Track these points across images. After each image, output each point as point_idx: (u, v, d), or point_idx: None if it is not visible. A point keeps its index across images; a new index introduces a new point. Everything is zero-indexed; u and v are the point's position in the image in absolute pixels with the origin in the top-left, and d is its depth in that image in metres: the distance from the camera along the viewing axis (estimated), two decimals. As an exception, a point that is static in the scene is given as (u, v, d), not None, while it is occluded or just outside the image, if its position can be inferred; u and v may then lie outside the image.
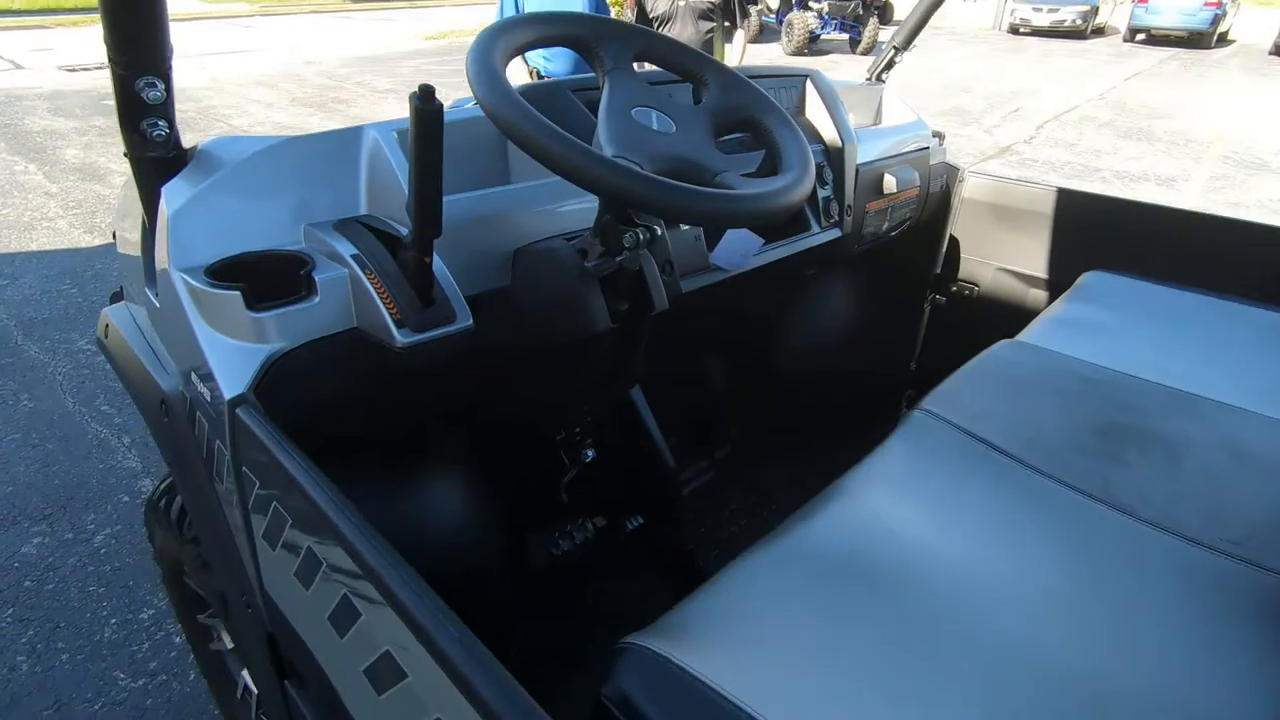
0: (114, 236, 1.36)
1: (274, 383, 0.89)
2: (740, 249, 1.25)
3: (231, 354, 0.90)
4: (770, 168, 1.09)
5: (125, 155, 0.99)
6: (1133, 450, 1.17)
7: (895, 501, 1.06)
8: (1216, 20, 16.40)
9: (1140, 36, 17.41)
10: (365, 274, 0.93)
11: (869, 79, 2.12)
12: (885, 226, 1.82)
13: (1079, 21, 17.72)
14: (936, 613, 0.87)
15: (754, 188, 0.97)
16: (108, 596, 2.05)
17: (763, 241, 1.35)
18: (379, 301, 0.92)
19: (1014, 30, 18.53)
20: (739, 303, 1.85)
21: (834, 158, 1.62)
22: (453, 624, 0.58)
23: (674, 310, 1.14)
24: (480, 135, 1.14)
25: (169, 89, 0.93)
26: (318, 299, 0.93)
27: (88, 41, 14.25)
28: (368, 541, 0.65)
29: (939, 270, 2.20)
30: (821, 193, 1.59)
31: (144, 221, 1.05)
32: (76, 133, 7.39)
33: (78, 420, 2.81)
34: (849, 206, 1.65)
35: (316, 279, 0.93)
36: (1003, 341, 1.51)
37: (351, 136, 1.07)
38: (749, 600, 0.89)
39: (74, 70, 11.19)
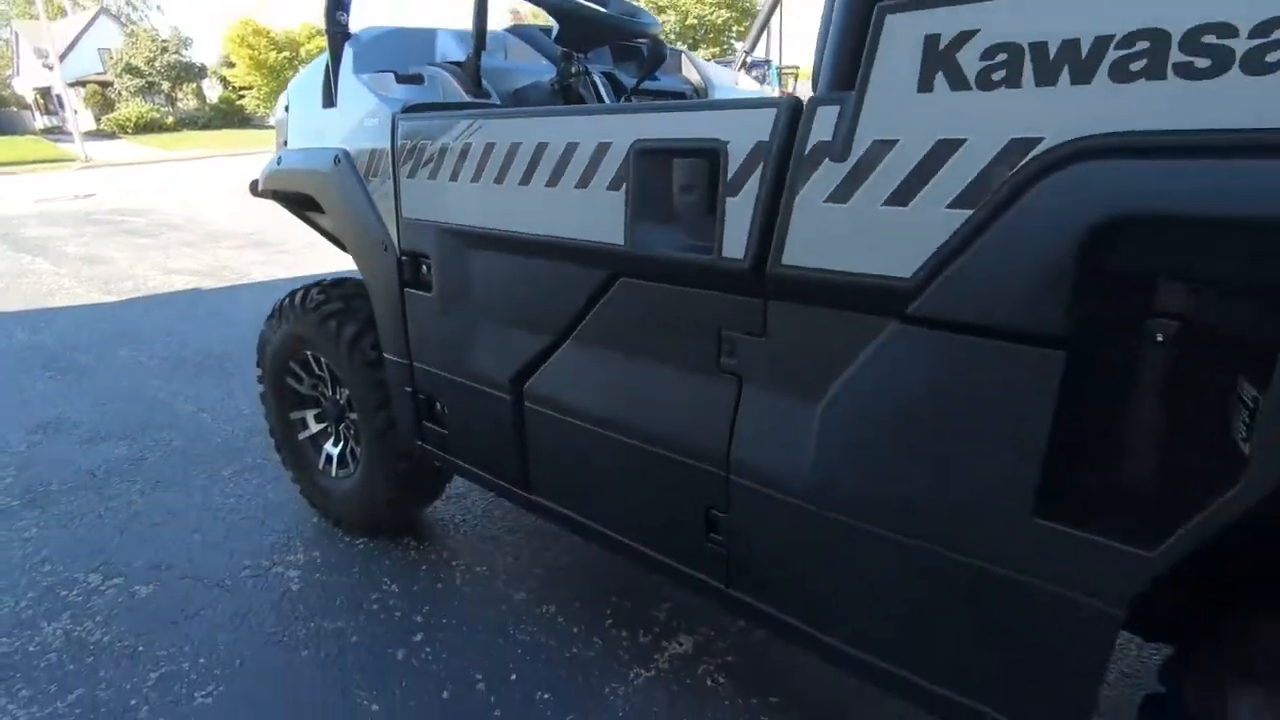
0: (278, 129, 2.03)
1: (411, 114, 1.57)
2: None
3: (390, 103, 1.57)
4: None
5: (326, 30, 1.69)
6: None
7: None
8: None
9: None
10: (447, 74, 1.65)
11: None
12: None
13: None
14: None
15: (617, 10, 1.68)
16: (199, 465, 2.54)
17: None
18: (457, 85, 1.63)
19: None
20: None
21: (702, 94, 2.36)
22: None
23: None
24: None
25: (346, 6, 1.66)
26: (425, 84, 1.64)
27: (55, 183, 15.11)
28: None
29: None
30: None
31: (324, 71, 1.74)
32: (72, 236, 8.02)
33: (140, 391, 3.31)
34: None
35: (424, 75, 1.64)
36: None
37: (429, 34, 1.81)
38: None
39: (50, 201, 11.93)
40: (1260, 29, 0.58)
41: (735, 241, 0.95)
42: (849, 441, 0.93)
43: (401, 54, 1.66)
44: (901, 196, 0.79)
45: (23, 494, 2.38)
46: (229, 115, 35.93)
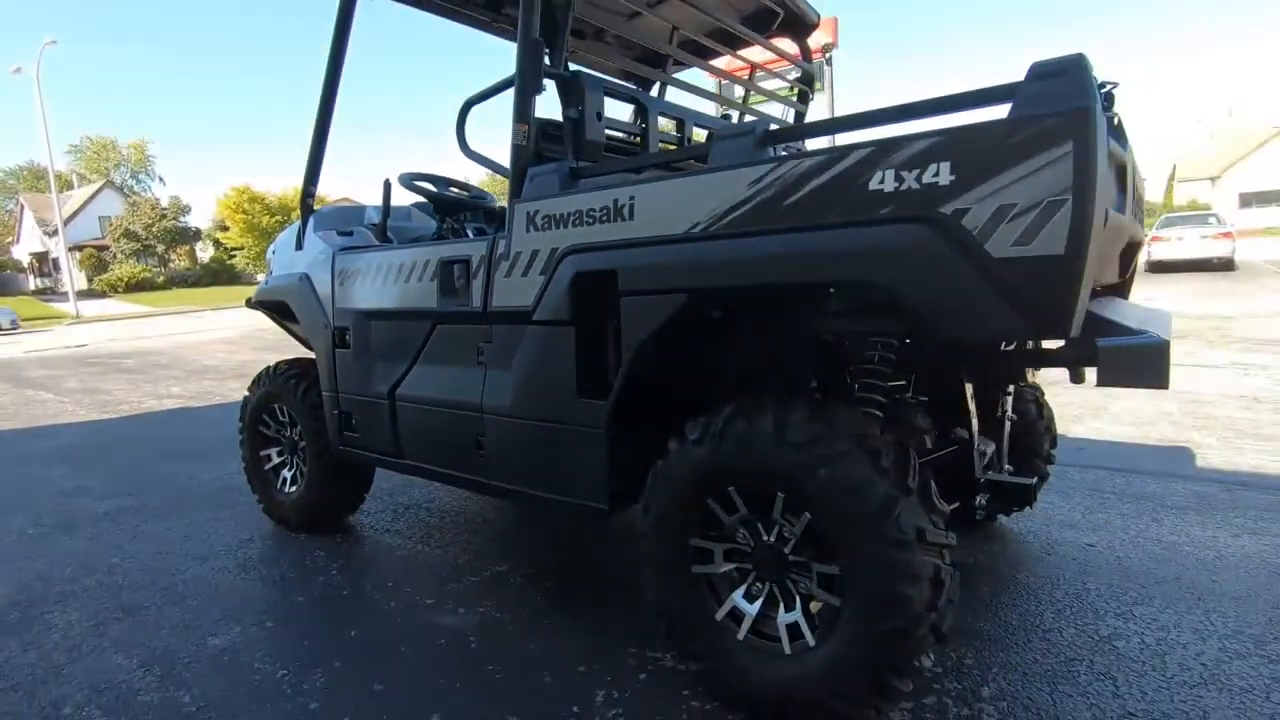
0: (269, 267, 3.18)
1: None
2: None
3: (333, 245, 2.72)
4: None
5: (301, 205, 2.88)
6: None
7: None
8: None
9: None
10: (368, 231, 2.83)
11: None
12: None
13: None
14: None
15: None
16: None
17: None
18: (372, 237, 2.81)
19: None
20: None
21: None
22: None
23: None
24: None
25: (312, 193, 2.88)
26: (353, 236, 2.81)
27: (47, 337, 16.27)
28: None
29: None
30: None
31: (298, 229, 2.91)
32: (70, 374, 9.05)
33: (141, 469, 4.23)
34: None
35: (354, 231, 2.82)
36: None
37: (361, 210, 3.01)
38: None
39: (45, 351, 13.03)
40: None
41: (477, 298, 2.08)
42: (517, 382, 2.01)
43: (343, 219, 2.86)
44: (524, 272, 1.93)
45: (60, 526, 3.28)
46: (219, 274, 38.18)
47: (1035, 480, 2.18)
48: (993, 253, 1.21)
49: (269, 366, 3.07)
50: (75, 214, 40.03)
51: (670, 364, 1.84)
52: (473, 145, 2.21)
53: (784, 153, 1.59)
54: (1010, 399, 2.26)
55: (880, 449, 1.44)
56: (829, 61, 21.85)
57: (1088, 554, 2.48)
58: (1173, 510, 2.85)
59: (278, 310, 3.08)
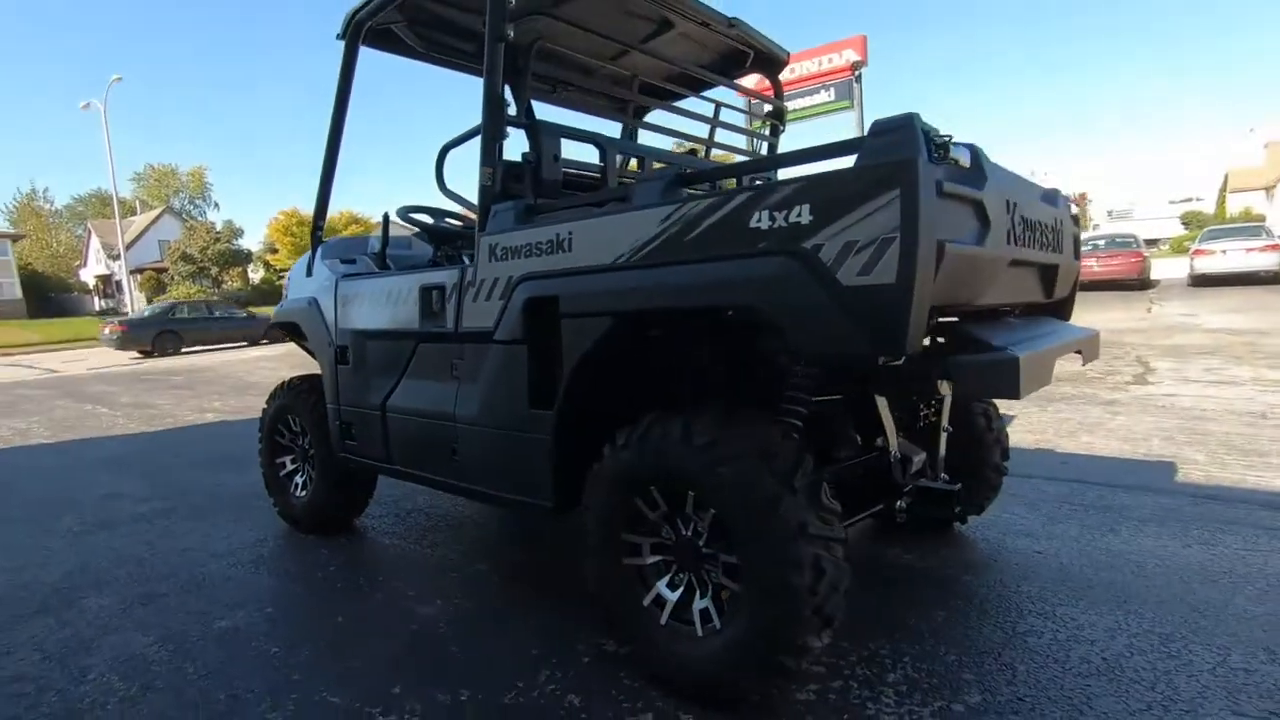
0: (284, 292, 3.52)
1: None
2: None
3: (337, 272, 3.02)
4: None
5: (311, 238, 3.21)
6: None
7: None
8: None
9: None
10: (369, 259, 3.13)
11: None
12: None
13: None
14: None
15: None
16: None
17: None
18: (372, 264, 3.10)
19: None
20: None
21: None
22: None
23: None
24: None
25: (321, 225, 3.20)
26: (356, 264, 3.11)
27: (102, 357, 17.24)
28: None
29: None
30: None
31: (309, 258, 3.23)
32: (124, 390, 9.67)
33: (174, 477, 4.61)
34: None
35: (356, 259, 3.12)
36: None
37: (364, 240, 3.32)
38: None
39: (104, 368, 13.85)
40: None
41: (450, 320, 2.33)
42: (482, 395, 2.25)
43: (347, 249, 3.16)
44: (487, 297, 2.17)
45: (101, 525, 3.63)
46: (269, 295, 39.72)
47: (958, 487, 2.32)
48: (843, 281, 1.41)
49: (284, 381, 3.39)
50: (136, 239, 42.20)
51: (613, 379, 2.07)
52: (453, 184, 2.49)
53: (693, 193, 1.81)
54: (945, 411, 2.42)
55: (772, 451, 1.63)
56: (858, 79, 21.93)
57: (1033, 560, 2.60)
58: (1133, 522, 2.95)
59: (291, 330, 3.40)
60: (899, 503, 2.18)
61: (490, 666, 2.03)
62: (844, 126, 19.26)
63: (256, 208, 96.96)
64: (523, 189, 2.31)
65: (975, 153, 1.59)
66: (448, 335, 2.37)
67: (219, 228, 41.53)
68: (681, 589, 1.85)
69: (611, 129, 3.19)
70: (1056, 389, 6.03)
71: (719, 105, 3.04)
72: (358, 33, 2.72)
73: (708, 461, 1.65)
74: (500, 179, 2.24)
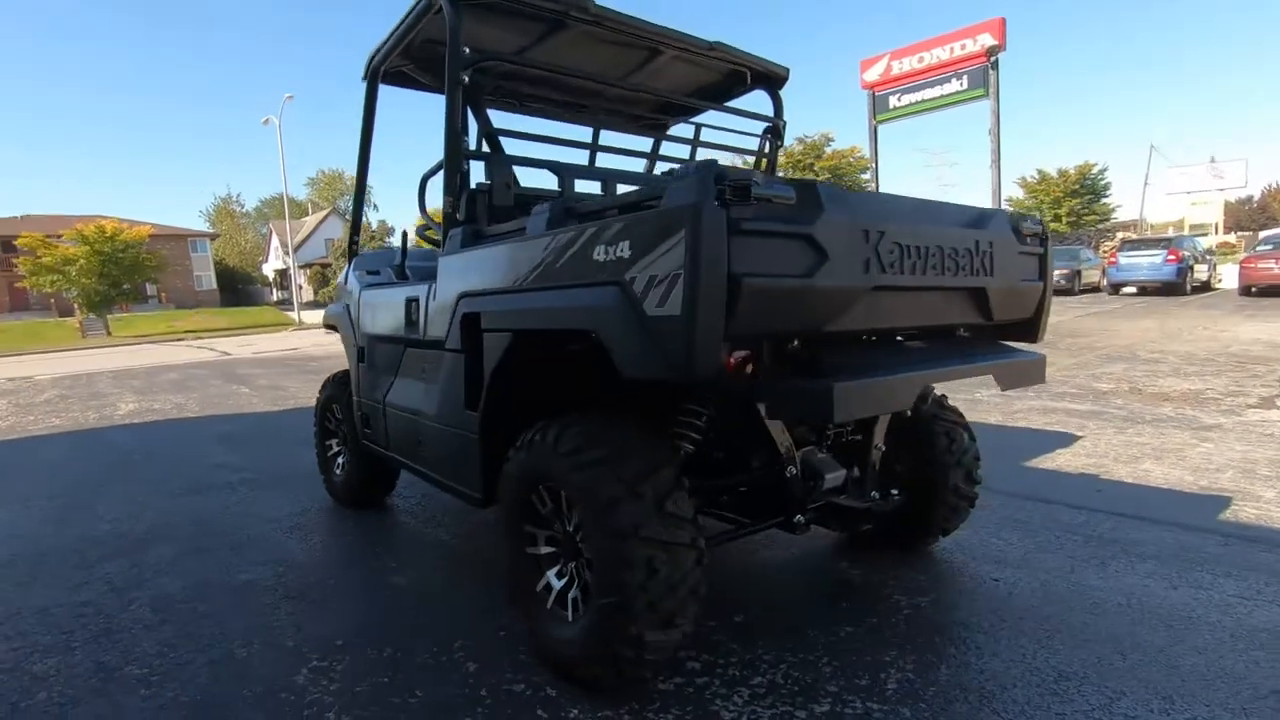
0: (331, 297, 4.05)
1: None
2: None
3: (363, 282, 3.47)
4: None
5: (348, 251, 3.70)
6: None
7: None
8: (1182, 273, 18.44)
9: (1129, 289, 19.58)
10: (391, 271, 3.54)
11: None
12: None
13: (1063, 282, 20.37)
14: None
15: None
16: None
17: None
18: (393, 275, 3.51)
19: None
20: None
21: None
22: None
23: None
24: None
25: (357, 240, 3.66)
26: (380, 275, 3.54)
27: (272, 340, 19.61)
28: None
29: None
30: None
31: (345, 271, 3.72)
32: (265, 374, 11.09)
33: (272, 452, 5.35)
34: None
35: (380, 270, 3.55)
36: None
37: (392, 253, 3.75)
38: None
39: (264, 352, 15.83)
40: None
41: (423, 330, 2.66)
42: (437, 395, 2.55)
43: (376, 262, 3.61)
44: (441, 311, 2.48)
45: (192, 490, 4.35)
46: (412, 288, 43.23)
47: (868, 505, 2.34)
48: (647, 311, 1.56)
49: (331, 375, 3.91)
50: (307, 237, 47.31)
51: (529, 386, 2.30)
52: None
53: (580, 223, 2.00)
54: (877, 430, 2.44)
55: (623, 459, 1.80)
56: (994, 65, 20.40)
57: (983, 587, 2.55)
58: (1130, 558, 2.78)
59: (332, 328, 3.92)
60: (798, 517, 2.25)
61: (421, 632, 2.34)
62: (979, 117, 18.07)
63: (409, 208, 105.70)
64: (478, 214, 2.60)
65: (811, 190, 1.66)
66: (420, 342, 2.70)
67: (374, 227, 45.67)
68: (566, 579, 2.05)
69: (614, 135, 3.42)
70: (1155, 408, 5.53)
71: (699, 127, 3.17)
72: (376, 75, 3.13)
73: (567, 466, 1.85)
74: (464, 205, 2.54)
